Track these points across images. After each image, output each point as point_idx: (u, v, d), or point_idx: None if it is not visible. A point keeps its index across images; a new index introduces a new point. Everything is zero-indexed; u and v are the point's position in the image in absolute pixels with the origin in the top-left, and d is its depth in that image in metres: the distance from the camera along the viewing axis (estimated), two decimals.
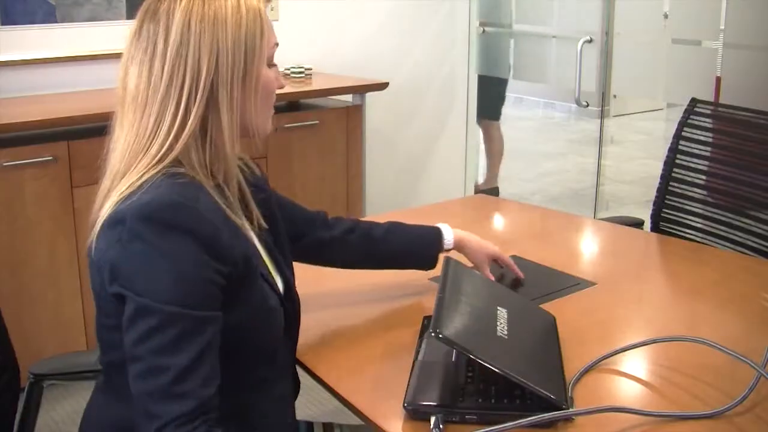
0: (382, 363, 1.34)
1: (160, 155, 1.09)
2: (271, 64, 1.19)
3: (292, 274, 1.34)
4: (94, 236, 1.10)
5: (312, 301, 1.57)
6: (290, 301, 1.28)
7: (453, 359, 1.28)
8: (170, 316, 1.01)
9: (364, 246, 1.54)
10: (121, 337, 1.05)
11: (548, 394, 1.13)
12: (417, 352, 1.32)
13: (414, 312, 1.50)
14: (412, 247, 1.57)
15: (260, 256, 1.22)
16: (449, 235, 1.59)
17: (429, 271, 1.60)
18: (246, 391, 1.19)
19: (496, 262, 1.66)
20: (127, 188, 1.07)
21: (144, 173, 1.08)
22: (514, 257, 1.74)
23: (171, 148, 1.10)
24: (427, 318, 1.42)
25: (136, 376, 1.02)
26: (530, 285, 1.65)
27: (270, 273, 1.23)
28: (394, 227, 1.58)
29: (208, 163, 1.14)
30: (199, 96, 1.10)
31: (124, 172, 1.10)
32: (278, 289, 1.23)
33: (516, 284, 1.66)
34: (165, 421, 1.00)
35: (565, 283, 1.65)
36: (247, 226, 1.21)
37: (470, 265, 1.61)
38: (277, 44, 1.20)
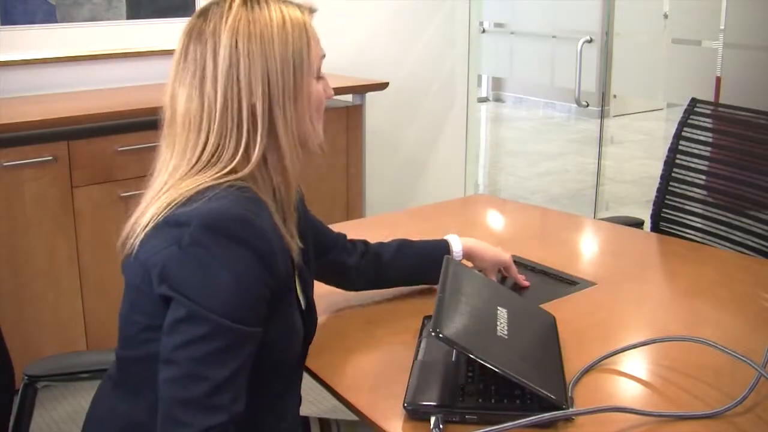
0: (381, 363, 1.34)
1: (222, 174, 1.09)
2: (319, 77, 1.19)
3: (312, 289, 1.34)
4: (139, 235, 1.08)
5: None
6: (310, 320, 1.30)
7: (453, 359, 1.28)
8: (219, 328, 1.01)
9: (374, 271, 1.55)
10: (149, 337, 1.06)
11: (548, 394, 1.13)
12: (417, 352, 1.32)
13: (414, 312, 1.50)
14: (422, 265, 1.57)
15: (293, 275, 1.22)
16: (457, 246, 1.59)
17: None
18: (261, 405, 1.18)
19: (502, 272, 1.66)
20: (184, 195, 1.07)
21: (202, 184, 1.08)
22: (513, 257, 1.74)
23: (234, 171, 1.10)
24: (427, 318, 1.42)
25: (171, 380, 1.01)
26: (530, 289, 1.65)
27: (297, 292, 1.24)
28: (403, 247, 1.58)
29: (270, 180, 1.14)
30: (260, 119, 1.10)
31: (176, 185, 1.09)
32: (302, 309, 1.25)
33: (516, 289, 1.65)
34: (195, 431, 0.99)
35: (564, 285, 1.65)
36: (293, 245, 1.20)
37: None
38: (324, 55, 1.20)
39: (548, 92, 7.93)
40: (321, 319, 1.50)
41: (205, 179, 1.09)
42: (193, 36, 1.12)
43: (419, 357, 1.30)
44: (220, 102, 1.09)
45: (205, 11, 1.14)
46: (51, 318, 2.65)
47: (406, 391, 1.19)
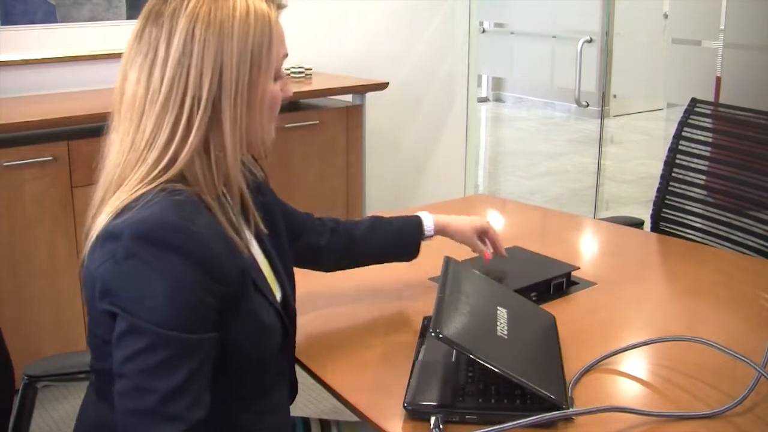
0: (382, 363, 1.34)
1: (159, 168, 1.06)
2: (278, 77, 1.15)
3: (292, 278, 1.32)
4: (87, 248, 1.07)
5: (312, 301, 1.57)
6: (288, 310, 1.26)
7: (453, 359, 1.28)
8: (161, 338, 0.99)
9: (347, 247, 1.53)
10: (110, 350, 1.03)
11: (548, 394, 1.13)
12: (417, 352, 1.32)
13: (414, 312, 1.50)
14: (394, 240, 1.56)
15: (257, 265, 1.19)
16: (429, 221, 1.57)
17: (426, 268, 1.60)
18: (238, 405, 1.17)
19: (483, 237, 1.65)
20: (122, 201, 1.04)
21: (140, 187, 1.05)
22: (515, 248, 1.74)
23: (172, 162, 1.06)
24: (427, 318, 1.42)
25: (123, 393, 1.00)
26: (528, 272, 1.64)
27: (267, 280, 1.21)
28: (375, 223, 1.56)
29: (212, 176, 1.10)
30: (201, 111, 1.06)
31: (119, 183, 1.07)
32: (274, 300, 1.20)
33: (503, 275, 1.64)
34: None
35: (562, 270, 1.64)
36: (246, 235, 1.18)
37: (466, 256, 1.60)
38: (286, 54, 1.16)
39: (548, 92, 7.93)
40: (321, 318, 1.50)
41: (138, 181, 1.05)
42: (150, 17, 1.09)
43: (419, 357, 1.30)
44: (165, 89, 1.05)
45: None
46: (51, 318, 2.65)
47: (406, 391, 1.19)
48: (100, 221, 1.06)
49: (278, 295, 1.24)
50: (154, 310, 0.99)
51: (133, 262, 1.00)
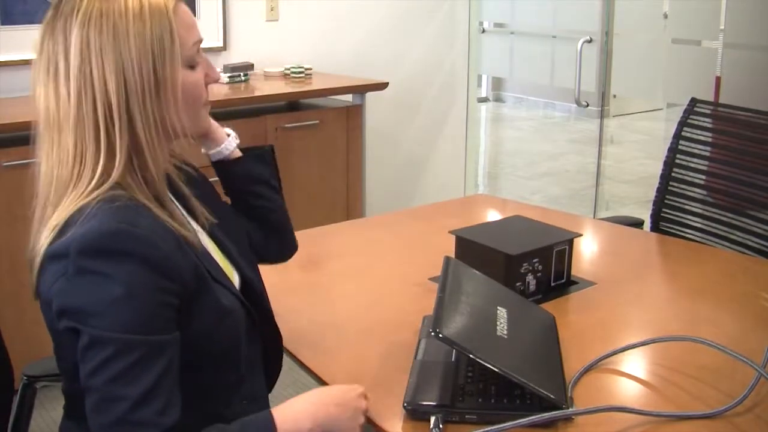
0: (381, 363, 1.34)
1: (94, 182, 1.04)
2: (193, 64, 1.12)
3: (252, 264, 1.30)
4: (35, 270, 1.06)
5: (311, 301, 1.58)
6: (251, 293, 1.24)
7: (453, 359, 1.28)
8: (125, 344, 0.98)
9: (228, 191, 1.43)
10: (78, 370, 1.03)
11: (548, 393, 1.13)
12: (416, 352, 1.32)
13: (414, 312, 1.50)
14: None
15: (209, 255, 1.18)
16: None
17: (426, 268, 1.59)
18: (212, 398, 1.16)
19: None
20: (62, 218, 1.03)
21: (78, 201, 1.04)
22: (517, 216, 1.74)
23: (106, 174, 1.05)
24: (427, 318, 1.42)
25: (93, 408, 0.99)
26: (530, 239, 1.63)
27: (221, 268, 1.20)
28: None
29: (142, 178, 1.09)
30: (116, 118, 1.04)
31: (56, 202, 1.06)
32: (232, 286, 1.20)
33: (505, 241, 1.60)
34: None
35: (565, 236, 1.64)
36: (193, 227, 1.17)
37: None
38: (199, 40, 1.12)
39: (548, 92, 7.93)
40: (320, 318, 1.50)
41: (76, 197, 1.04)
42: (47, 30, 1.07)
43: (419, 357, 1.30)
44: (74, 101, 1.04)
45: (58, 2, 1.06)
46: None
47: (406, 391, 1.19)
48: (42, 242, 1.04)
49: (236, 281, 1.23)
50: (114, 318, 0.98)
51: (84, 276, 0.99)
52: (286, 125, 3.07)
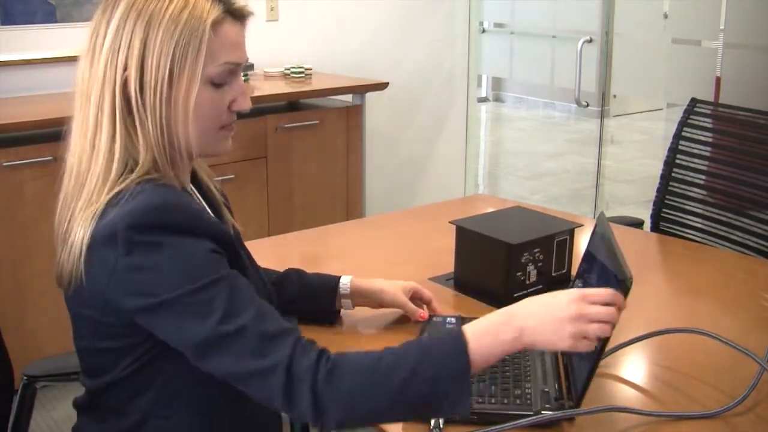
0: None
1: (118, 163, 1.06)
2: (219, 83, 1.11)
3: (267, 288, 1.30)
4: (77, 265, 1.06)
5: None
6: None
7: None
8: (208, 287, 1.00)
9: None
10: (122, 358, 1.05)
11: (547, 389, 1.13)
12: None
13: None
14: (306, 293, 1.42)
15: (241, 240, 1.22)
16: (346, 280, 1.42)
17: (426, 268, 1.58)
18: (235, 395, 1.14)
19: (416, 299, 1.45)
20: (99, 204, 1.05)
21: (112, 186, 1.05)
22: (518, 207, 1.74)
23: (129, 155, 1.07)
24: (428, 322, 1.41)
25: (227, 357, 1.00)
26: (530, 228, 1.63)
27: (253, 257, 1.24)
28: (290, 275, 1.44)
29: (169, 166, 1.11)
30: (132, 97, 1.06)
31: (82, 180, 1.09)
32: (262, 273, 1.25)
33: (506, 230, 1.60)
34: (285, 359, 0.99)
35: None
36: (223, 226, 1.18)
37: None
38: (237, 63, 1.12)
39: (548, 92, 7.93)
40: (321, 321, 1.49)
41: (109, 179, 1.06)
42: (100, 10, 1.11)
43: None
44: (101, 71, 1.07)
45: None
46: (51, 318, 2.64)
47: None
48: (80, 233, 1.05)
49: None
50: (183, 275, 1.00)
51: (137, 250, 1.01)
52: (286, 125, 3.07)
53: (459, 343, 1.02)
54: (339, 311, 1.44)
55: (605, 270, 1.16)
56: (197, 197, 1.21)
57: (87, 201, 1.06)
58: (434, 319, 1.40)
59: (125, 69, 1.06)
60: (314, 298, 1.41)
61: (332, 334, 1.44)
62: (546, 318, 1.03)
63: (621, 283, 1.04)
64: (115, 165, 1.06)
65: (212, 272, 1.03)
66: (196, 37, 1.06)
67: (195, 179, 1.24)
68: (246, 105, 1.16)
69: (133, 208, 1.02)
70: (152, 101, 1.06)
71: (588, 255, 1.28)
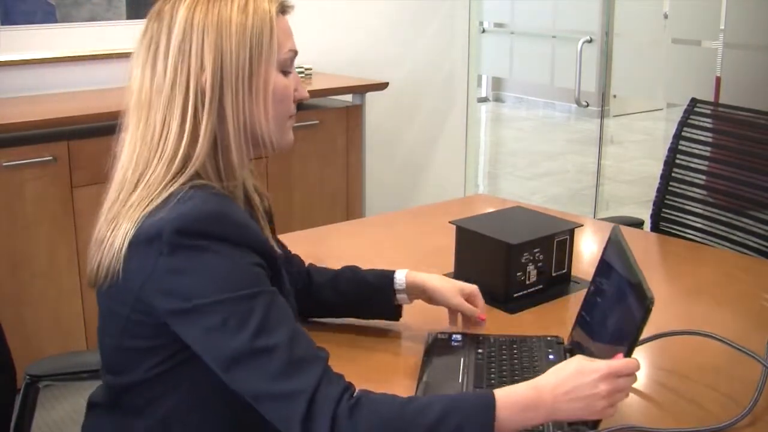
0: (383, 364, 1.34)
1: (175, 165, 1.05)
2: (286, 71, 1.14)
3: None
4: (117, 258, 1.04)
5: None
6: None
7: (459, 380, 1.23)
8: (247, 299, 1.00)
9: (314, 296, 1.43)
10: (148, 357, 1.05)
11: None
12: (422, 373, 1.26)
13: (414, 311, 1.47)
14: (362, 291, 1.41)
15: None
16: (401, 275, 1.40)
17: (427, 270, 1.58)
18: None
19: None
20: (148, 204, 1.04)
21: (163, 187, 1.05)
22: (518, 207, 1.74)
23: (187, 157, 1.06)
24: (432, 334, 1.38)
25: (249, 375, 0.99)
26: (531, 228, 1.62)
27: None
28: (345, 272, 1.43)
29: (223, 175, 1.10)
30: (207, 100, 1.06)
31: (134, 182, 1.07)
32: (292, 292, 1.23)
33: (507, 230, 1.60)
34: (311, 387, 0.98)
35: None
36: (269, 241, 1.17)
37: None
38: (294, 51, 1.15)
39: (548, 92, 7.93)
40: (324, 334, 1.46)
41: (159, 183, 1.05)
42: (153, 14, 1.10)
43: (424, 378, 1.24)
44: (170, 75, 1.06)
45: None
46: (51, 318, 2.65)
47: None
48: (124, 228, 1.04)
49: None
50: (223, 282, 1.00)
51: (180, 252, 1.00)
52: None
53: (487, 397, 1.01)
54: (401, 306, 1.42)
55: (622, 283, 1.15)
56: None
57: (138, 201, 1.05)
58: (439, 335, 1.36)
59: (200, 65, 1.06)
60: (371, 295, 1.40)
61: (333, 335, 1.43)
62: (577, 401, 1.02)
63: (641, 302, 1.04)
64: (174, 167, 1.06)
65: (253, 285, 1.02)
66: (266, 26, 1.09)
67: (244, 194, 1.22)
68: (306, 93, 1.19)
69: (184, 212, 1.01)
70: (234, 94, 1.08)
71: (604, 264, 1.27)
